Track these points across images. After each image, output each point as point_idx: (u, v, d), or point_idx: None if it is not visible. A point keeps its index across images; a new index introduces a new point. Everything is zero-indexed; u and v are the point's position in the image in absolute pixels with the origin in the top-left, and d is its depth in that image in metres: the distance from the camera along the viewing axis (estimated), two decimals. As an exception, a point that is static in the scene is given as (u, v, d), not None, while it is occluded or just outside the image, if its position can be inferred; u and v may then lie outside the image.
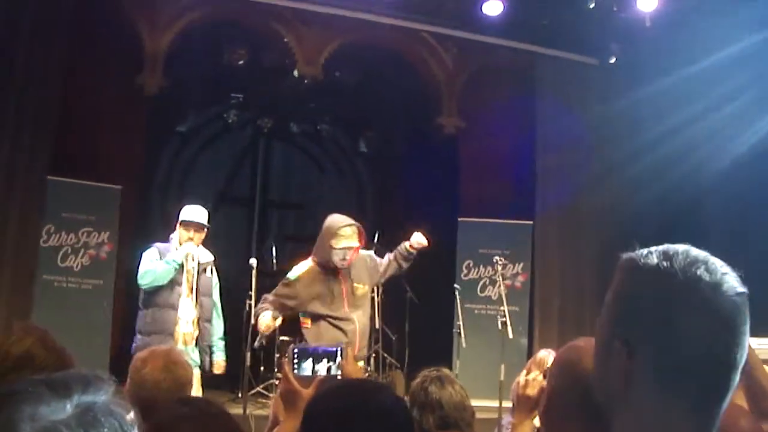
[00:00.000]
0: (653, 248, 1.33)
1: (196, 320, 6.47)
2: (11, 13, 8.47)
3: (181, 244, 6.49)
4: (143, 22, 9.30)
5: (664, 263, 1.29)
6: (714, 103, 8.73)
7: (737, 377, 1.29)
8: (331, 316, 6.02)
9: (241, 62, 10.68)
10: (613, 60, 10.13)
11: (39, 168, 8.64)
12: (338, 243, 5.93)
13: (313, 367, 2.69)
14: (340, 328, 6.00)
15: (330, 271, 6.05)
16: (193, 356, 6.33)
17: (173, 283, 6.40)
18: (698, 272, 1.27)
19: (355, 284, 6.11)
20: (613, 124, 9.87)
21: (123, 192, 9.42)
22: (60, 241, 9.01)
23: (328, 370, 2.68)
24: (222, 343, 6.76)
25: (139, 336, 6.40)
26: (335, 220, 6.08)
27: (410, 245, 6.24)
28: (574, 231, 10.29)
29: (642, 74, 9.49)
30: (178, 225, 6.55)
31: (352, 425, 1.80)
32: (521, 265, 10.34)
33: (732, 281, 1.28)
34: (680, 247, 1.32)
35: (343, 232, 5.96)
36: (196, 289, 6.50)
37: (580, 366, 2.07)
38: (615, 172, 9.84)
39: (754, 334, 1.34)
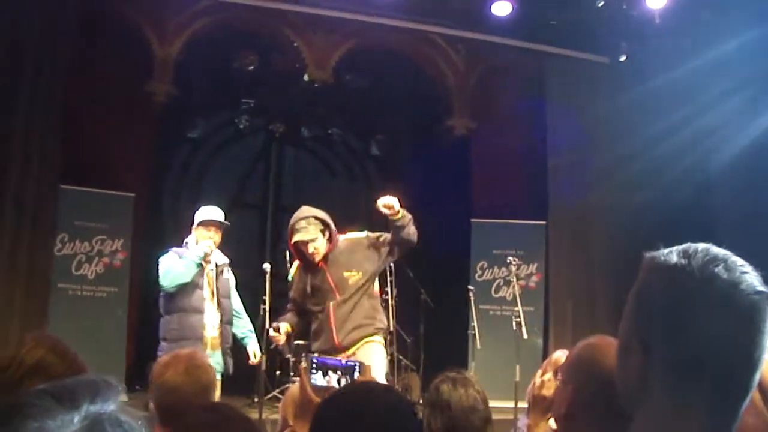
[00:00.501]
0: (675, 247, 1.33)
1: (218, 324, 6.46)
2: (19, 22, 8.51)
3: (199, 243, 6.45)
4: (152, 29, 9.33)
5: (682, 261, 1.29)
6: (720, 95, 8.69)
7: (756, 377, 1.27)
8: (322, 313, 5.94)
9: (251, 68, 10.71)
10: (623, 58, 10.09)
11: (51, 177, 8.67)
12: (293, 238, 5.82)
13: (329, 379, 2.69)
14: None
15: (311, 265, 5.93)
16: (219, 360, 6.29)
17: (195, 286, 6.35)
18: (716, 270, 1.26)
19: (345, 273, 5.90)
20: (624, 121, 9.82)
21: (135, 199, 9.45)
22: (74, 250, 9.04)
23: (338, 382, 2.69)
24: (253, 334, 6.74)
25: (164, 343, 6.27)
26: (294, 215, 5.96)
27: (384, 213, 5.85)
28: (587, 229, 10.24)
29: (651, 70, 9.45)
30: (195, 227, 6.50)
31: (360, 427, 1.80)
32: (535, 265, 10.31)
33: (751, 280, 1.27)
34: (701, 246, 1.31)
35: (299, 225, 5.82)
36: (217, 291, 6.50)
37: (596, 363, 2.09)
38: (626, 169, 9.79)
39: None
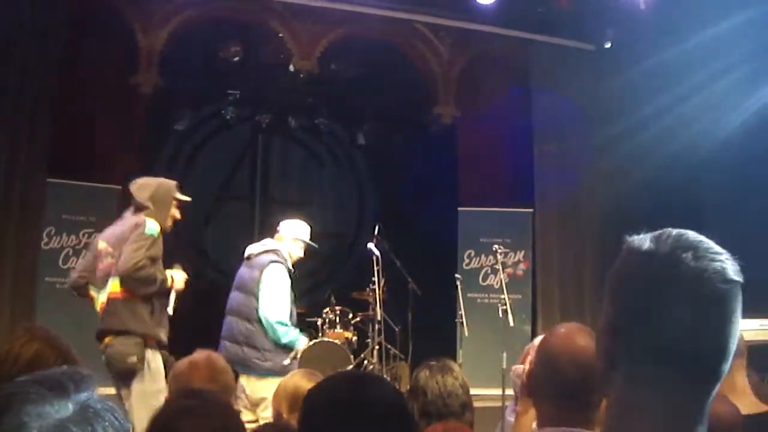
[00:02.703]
0: (651, 233, 1.31)
1: None
2: (6, 15, 8.46)
3: (293, 260, 6.69)
4: (137, 21, 9.28)
5: (651, 246, 1.28)
6: (708, 79, 8.71)
7: (724, 367, 1.25)
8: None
9: (236, 59, 10.66)
10: (608, 45, 10.12)
11: (38, 170, 8.63)
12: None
13: None
14: None
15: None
16: None
17: None
18: (682, 256, 1.24)
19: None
20: (609, 107, 9.86)
21: (123, 192, 9.41)
22: (61, 243, 9.01)
23: None
24: None
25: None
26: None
27: None
28: (574, 216, 10.28)
29: (637, 56, 9.46)
30: (293, 239, 6.83)
31: (349, 413, 1.80)
32: (522, 252, 10.34)
33: (721, 268, 1.23)
34: (674, 231, 1.29)
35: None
36: None
37: (549, 351, 2.27)
38: (613, 154, 9.82)
39: (752, 315, 1.29)
